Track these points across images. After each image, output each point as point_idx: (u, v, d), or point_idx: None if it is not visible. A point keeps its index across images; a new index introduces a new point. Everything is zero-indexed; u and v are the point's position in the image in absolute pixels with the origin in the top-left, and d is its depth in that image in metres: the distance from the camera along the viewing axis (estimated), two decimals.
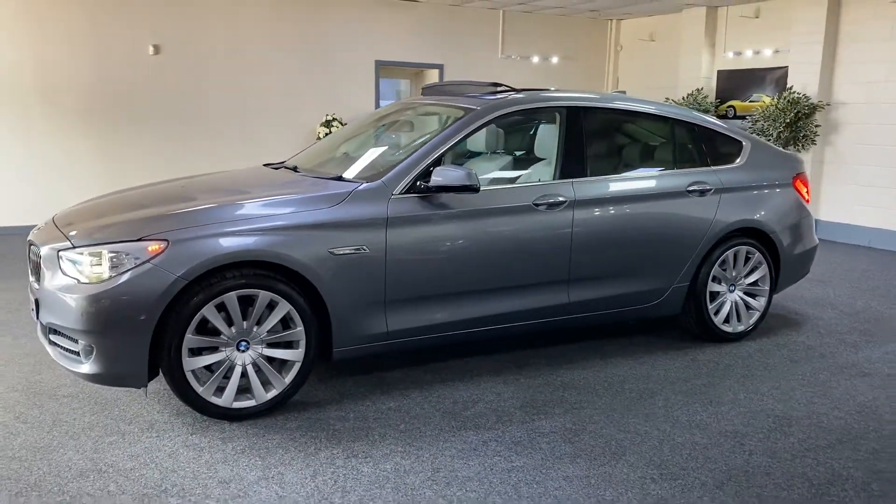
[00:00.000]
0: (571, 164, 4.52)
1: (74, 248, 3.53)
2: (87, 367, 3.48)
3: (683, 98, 10.75)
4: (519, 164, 4.74)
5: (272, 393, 3.74)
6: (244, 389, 3.71)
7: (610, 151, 4.94)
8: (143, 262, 3.42)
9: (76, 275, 3.49)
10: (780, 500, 3.06)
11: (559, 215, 4.36)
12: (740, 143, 5.19)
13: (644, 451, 3.46)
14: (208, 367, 3.65)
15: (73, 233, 3.64)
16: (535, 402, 4.01)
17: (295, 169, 4.61)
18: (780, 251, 5.17)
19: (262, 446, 3.42)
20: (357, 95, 10.54)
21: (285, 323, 3.72)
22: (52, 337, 3.67)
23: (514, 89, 4.73)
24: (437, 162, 4.10)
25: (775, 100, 9.43)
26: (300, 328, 3.73)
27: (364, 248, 3.82)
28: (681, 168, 4.96)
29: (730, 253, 4.99)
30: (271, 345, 3.73)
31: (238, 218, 3.65)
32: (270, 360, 3.75)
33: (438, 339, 4.19)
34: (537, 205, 4.30)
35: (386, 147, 4.64)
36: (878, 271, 7.59)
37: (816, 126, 9.28)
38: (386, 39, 10.67)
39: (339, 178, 4.14)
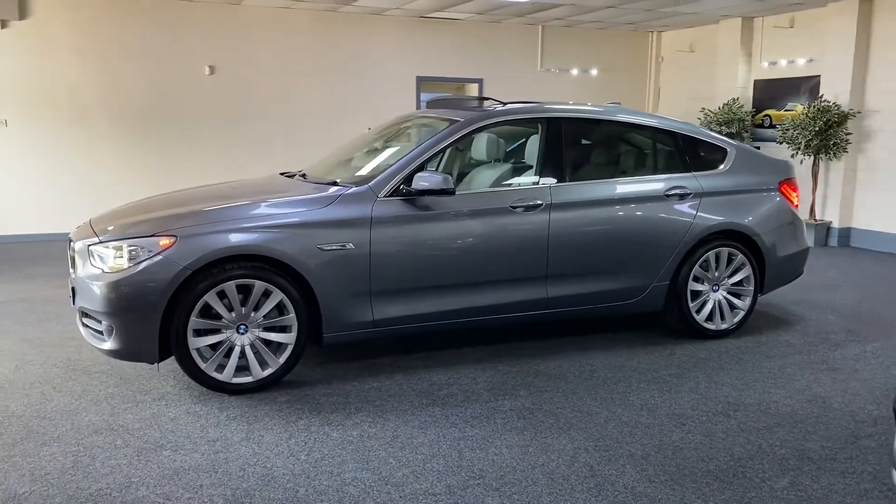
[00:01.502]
0: (550, 169, 4.91)
1: (101, 242, 4.14)
2: (108, 345, 4.09)
3: (720, 108, 10.89)
4: (502, 170, 5.15)
5: (267, 371, 4.27)
6: (243, 367, 4.24)
7: (589, 158, 5.31)
8: (156, 255, 4.00)
9: (101, 265, 4.10)
10: (697, 469, 3.37)
11: (536, 217, 4.76)
12: (725, 150, 5.47)
13: (588, 427, 3.82)
14: (212, 347, 4.20)
15: (100, 230, 4.26)
16: (505, 385, 4.41)
17: (304, 176, 5.15)
18: (764, 253, 5.41)
19: (251, 415, 3.94)
20: (399, 109, 11.08)
21: (280, 309, 4.24)
22: (83, 320, 4.29)
23: (501, 102, 5.15)
24: (421, 168, 4.57)
25: (807, 108, 9.51)
26: (292, 314, 4.24)
27: (349, 244, 4.32)
28: (661, 174, 5.28)
29: (711, 254, 5.26)
30: (267, 329, 4.25)
31: (238, 217, 4.20)
32: (267, 342, 4.27)
33: (422, 327, 4.65)
34: (514, 207, 4.71)
35: (382, 155, 5.13)
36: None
37: (847, 134, 9.31)
38: (427, 56, 11.21)
39: (334, 183, 4.65)
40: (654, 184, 5.17)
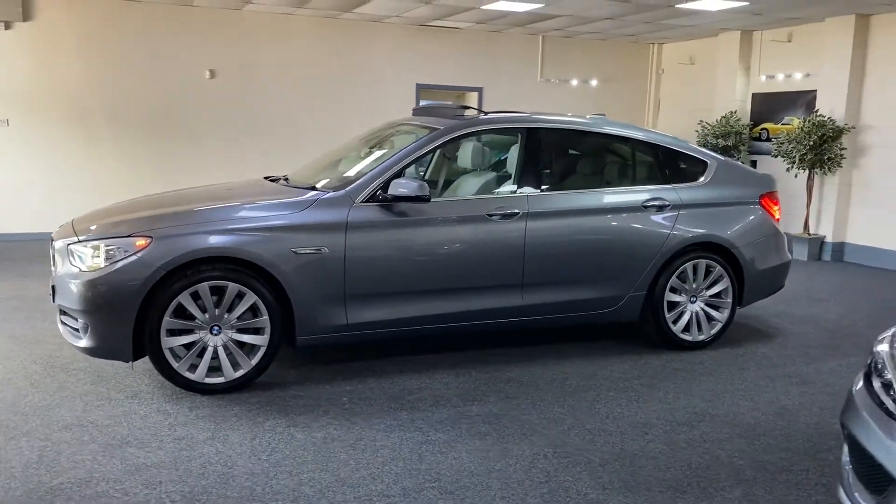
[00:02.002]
0: (528, 179, 4.97)
1: (79, 241, 4.22)
2: (84, 342, 4.16)
3: (717, 121, 10.91)
4: (484, 178, 5.20)
5: (240, 372, 4.33)
6: (216, 368, 4.30)
7: (568, 169, 5.36)
8: (131, 255, 4.08)
9: (80, 264, 4.18)
10: (653, 478, 3.40)
11: (512, 225, 4.81)
12: (705, 162, 5.50)
13: (551, 434, 3.86)
14: (186, 347, 4.26)
15: (80, 229, 4.34)
16: (476, 391, 4.45)
17: (287, 180, 5.22)
18: (743, 266, 5.43)
19: (220, 415, 4.00)
20: (398, 116, 11.16)
21: (253, 311, 4.30)
22: (62, 317, 4.37)
23: (482, 111, 5.22)
24: (399, 175, 4.63)
25: (802, 122, 9.52)
26: (265, 317, 4.30)
27: (324, 248, 4.38)
28: (639, 185, 5.32)
29: (688, 265, 5.29)
30: (240, 330, 4.31)
31: (213, 219, 4.27)
32: (240, 343, 4.33)
33: (396, 332, 4.71)
34: (491, 215, 4.77)
35: (363, 162, 5.19)
36: (887, 294, 7.62)
37: (842, 149, 9.32)
38: (427, 63, 11.30)
39: (313, 188, 4.71)
40: (632, 195, 5.21)
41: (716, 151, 10.48)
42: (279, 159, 10.56)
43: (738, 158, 10.79)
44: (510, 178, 5.04)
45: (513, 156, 5.08)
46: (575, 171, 5.40)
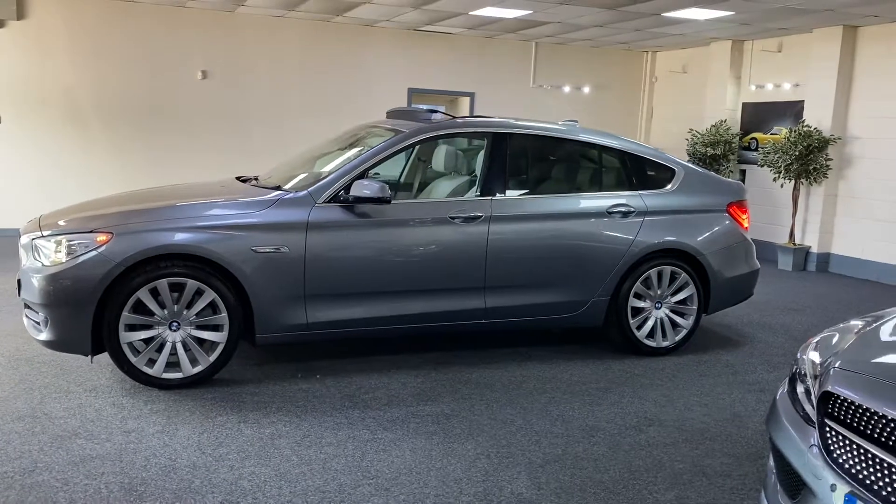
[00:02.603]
0: (493, 183, 5.02)
1: (43, 236, 4.29)
2: (44, 335, 4.23)
3: (707, 129, 10.93)
4: (453, 181, 5.25)
5: (198, 368, 4.39)
6: (175, 363, 4.36)
7: (533, 174, 5.42)
8: (91, 250, 4.14)
9: (42, 259, 4.25)
10: (590, 480, 3.44)
11: (474, 229, 4.86)
12: (673, 170, 5.54)
13: (498, 434, 3.90)
14: (147, 342, 4.32)
15: (45, 225, 4.41)
16: (432, 391, 4.50)
17: (256, 180, 5.28)
18: (709, 273, 5.46)
19: (173, 409, 4.06)
20: None
21: (213, 308, 4.36)
22: (25, 311, 4.44)
23: (451, 116, 5.27)
24: (362, 176, 4.69)
25: (789, 133, 9.54)
26: (224, 314, 4.36)
27: (284, 248, 4.44)
28: (605, 191, 5.37)
29: (653, 272, 5.33)
30: (199, 327, 4.37)
31: (174, 217, 4.34)
32: (199, 340, 4.39)
33: (357, 332, 4.77)
34: (453, 218, 4.82)
35: (333, 163, 5.24)
36: (865, 305, 7.62)
37: (828, 160, 9.33)
38: (419, 68, 11.36)
39: (278, 188, 4.78)
40: (596, 200, 5.25)
41: (704, 161, 10.59)
42: (270, 160, 10.62)
43: (728, 168, 10.83)
44: (472, 180, 5.09)
45: (479, 160, 5.14)
46: (541, 176, 5.46)
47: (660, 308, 5.42)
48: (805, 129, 9.37)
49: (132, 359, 4.25)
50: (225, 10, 10.10)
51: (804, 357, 2.90)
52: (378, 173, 6.09)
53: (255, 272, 4.38)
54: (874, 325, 2.94)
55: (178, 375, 4.36)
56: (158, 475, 3.30)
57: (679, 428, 4.11)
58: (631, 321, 5.32)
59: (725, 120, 10.97)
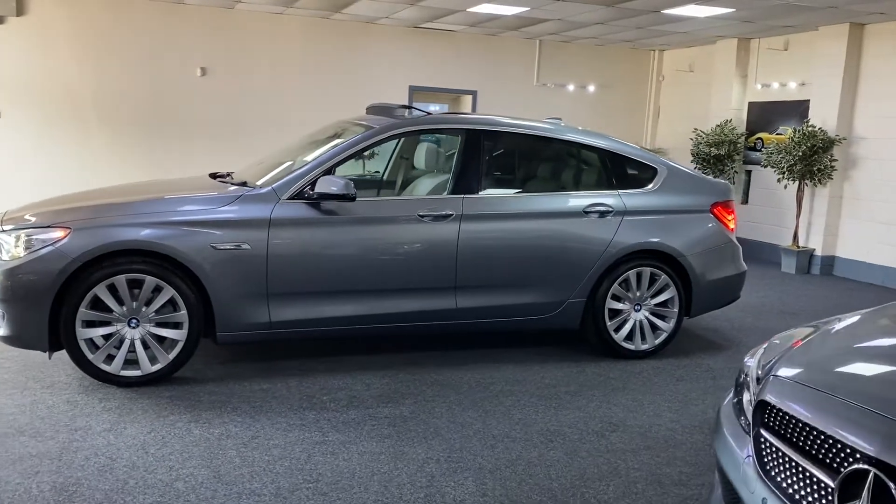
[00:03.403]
0: (465, 181, 4.91)
1: (4, 231, 4.26)
2: (1, 331, 4.18)
3: (712, 129, 10.73)
4: (433, 179, 5.15)
5: (157, 366, 4.33)
6: (134, 361, 4.30)
7: (508, 172, 5.30)
8: (49, 245, 4.10)
9: (2, 254, 4.21)
10: (539, 487, 3.33)
11: (444, 227, 4.75)
12: (654, 169, 5.40)
13: (454, 438, 3.80)
14: (107, 338, 4.26)
15: (7, 219, 4.38)
16: (395, 393, 4.40)
17: (230, 176, 5.22)
18: (690, 275, 5.32)
19: (127, 407, 4.00)
20: None
21: (174, 305, 4.30)
22: None
23: (426, 112, 5.17)
24: (329, 172, 4.60)
25: (793, 132, 9.33)
26: (183, 311, 4.30)
27: (245, 245, 4.36)
28: (583, 190, 5.24)
29: (632, 273, 5.19)
30: (159, 324, 4.31)
31: (133, 213, 4.28)
32: (160, 338, 4.33)
33: (324, 332, 4.68)
34: (422, 216, 4.72)
35: (301, 159, 5.17)
36: (863, 307, 7.40)
37: (833, 161, 9.11)
38: (420, 66, 11.27)
39: (244, 184, 4.71)
40: (572, 199, 5.13)
41: (708, 161, 10.39)
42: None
43: (733, 168, 10.62)
44: (444, 178, 4.99)
45: (450, 157, 5.04)
46: (516, 175, 5.35)
47: (639, 310, 5.28)
48: (809, 129, 9.15)
49: (89, 355, 4.20)
50: (224, 6, 10.07)
51: (749, 363, 2.78)
52: (378, 172, 6.03)
53: (215, 269, 4.31)
54: (823, 330, 2.80)
55: (137, 373, 4.31)
56: (94, 475, 3.24)
57: (643, 434, 3.98)
58: (608, 323, 5.19)
59: (731, 120, 10.76)
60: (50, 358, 4.33)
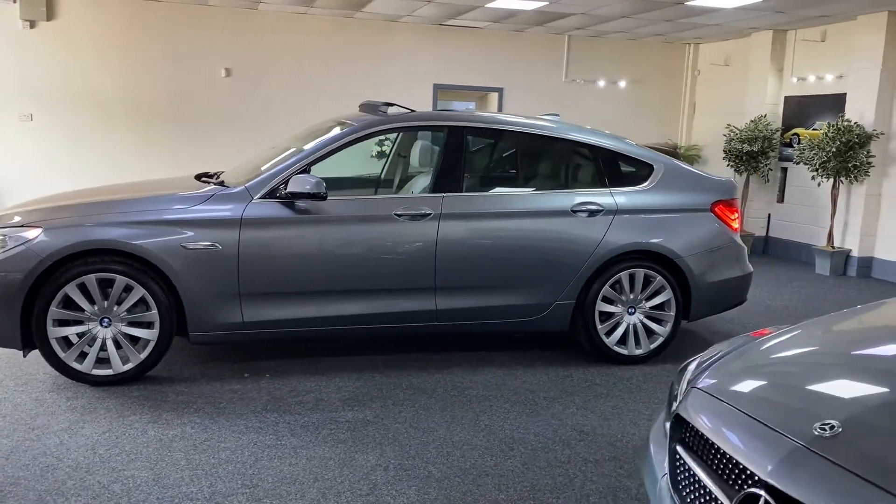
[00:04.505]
0: (446, 179, 4.78)
1: None
2: None
3: (746, 125, 10.34)
4: (422, 177, 5.04)
5: (128, 366, 4.33)
6: (106, 360, 4.31)
7: (492, 169, 5.15)
8: (20, 244, 4.14)
9: None
10: (485, 499, 3.19)
11: (422, 227, 4.64)
12: (651, 166, 5.18)
13: (411, 445, 3.68)
14: (80, 337, 4.29)
15: None
16: (365, 396, 4.31)
17: (213, 176, 5.20)
18: (689, 277, 5.08)
19: (91, 406, 4.01)
20: None
21: (147, 305, 4.30)
22: None
23: (408, 109, 5.07)
24: (305, 171, 4.54)
25: (827, 127, 8.90)
26: (154, 311, 4.29)
27: (216, 244, 4.33)
28: (572, 188, 5.06)
29: (624, 275, 4.99)
30: (131, 323, 4.31)
31: (104, 212, 4.29)
32: (133, 337, 4.33)
33: (298, 333, 4.61)
34: (399, 215, 4.61)
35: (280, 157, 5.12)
36: None
37: (870, 157, 8.66)
38: (445, 64, 11.16)
39: (221, 184, 4.68)
40: (559, 198, 4.95)
41: (740, 158, 10.01)
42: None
43: (767, 165, 10.21)
44: (425, 176, 4.88)
45: (432, 154, 4.92)
46: (501, 173, 5.20)
47: (633, 314, 5.07)
48: (845, 123, 8.71)
49: (61, 354, 4.23)
50: (247, 7, 10.15)
51: (682, 374, 2.59)
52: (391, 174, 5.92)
53: (186, 269, 4.29)
54: (766, 338, 2.59)
55: (108, 372, 4.32)
56: (35, 475, 3.23)
57: (612, 444, 3.80)
58: (599, 326, 4.99)
59: (765, 115, 10.34)
60: (25, 356, 4.37)
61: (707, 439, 2.05)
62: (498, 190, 5.05)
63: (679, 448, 2.19)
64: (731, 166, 10.42)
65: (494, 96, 11.61)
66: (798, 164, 9.30)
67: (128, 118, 10.13)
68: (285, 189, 4.44)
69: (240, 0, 9.68)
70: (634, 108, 12.02)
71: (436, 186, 4.78)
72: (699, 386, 2.27)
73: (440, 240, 4.66)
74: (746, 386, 2.20)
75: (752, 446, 1.86)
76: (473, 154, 4.99)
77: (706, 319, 5.95)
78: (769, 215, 10.57)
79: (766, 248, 10.60)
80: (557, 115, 5.66)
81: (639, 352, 5.09)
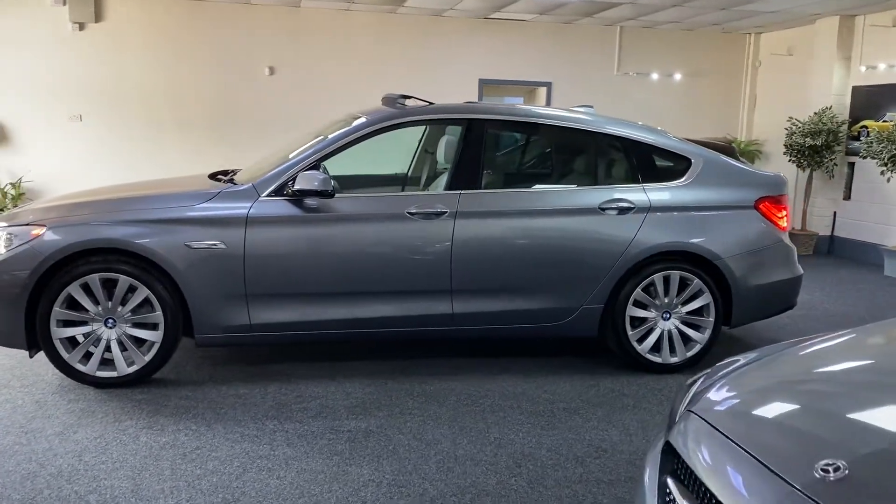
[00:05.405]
0: (464, 175, 4.52)
1: None
2: None
3: (809, 118, 9.73)
4: (425, 173, 4.81)
5: (133, 368, 4.22)
6: (110, 361, 4.21)
7: (514, 165, 4.86)
8: (24, 243, 4.06)
9: None
10: None
11: (437, 225, 4.39)
12: (688, 160, 4.80)
13: (411, 458, 3.44)
14: (85, 337, 4.19)
15: (2, 216, 4.39)
16: (374, 404, 4.08)
17: (224, 174, 5.06)
18: (729, 280, 4.70)
19: (90, 409, 3.90)
20: None
21: (152, 306, 4.17)
22: None
23: (426, 102, 4.83)
24: (314, 167, 4.35)
25: None
26: (158, 312, 4.16)
27: (221, 244, 4.17)
28: (600, 184, 4.73)
29: (658, 277, 4.63)
30: (136, 325, 4.20)
31: (108, 210, 4.19)
32: (138, 339, 4.22)
33: (309, 336, 4.42)
34: (412, 214, 4.37)
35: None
36: None
37: None
38: (491, 58, 10.88)
39: (231, 182, 4.53)
40: (586, 195, 4.62)
41: (802, 153, 9.42)
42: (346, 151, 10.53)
43: (832, 160, 9.59)
44: (441, 172, 4.62)
45: (449, 149, 4.66)
46: (523, 168, 4.90)
47: (668, 319, 4.71)
48: None
49: (65, 355, 4.14)
50: (290, 4, 10.07)
51: (686, 391, 2.28)
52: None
53: (190, 269, 4.15)
54: (789, 349, 2.25)
55: (113, 374, 4.21)
56: (15, 482, 3.12)
57: (632, 462, 3.48)
58: (630, 332, 4.65)
59: (830, 106, 9.71)
60: (31, 357, 4.30)
61: (694, 475, 1.75)
62: (519, 186, 4.76)
63: (669, 481, 1.89)
64: (793, 161, 9.83)
65: (542, 91, 11.26)
66: (866, 158, 8.67)
67: (174, 118, 10.18)
68: (293, 186, 4.26)
69: None
70: (690, 101, 11.50)
71: (452, 183, 4.52)
72: (695, 410, 1.96)
73: (456, 240, 4.40)
74: (750, 412, 1.88)
75: (745, 489, 1.55)
76: (493, 148, 4.71)
77: (753, 325, 5.53)
78: (834, 213, 9.93)
79: (831, 247, 9.96)
80: (591, 106, 5.32)
81: (674, 360, 4.72)
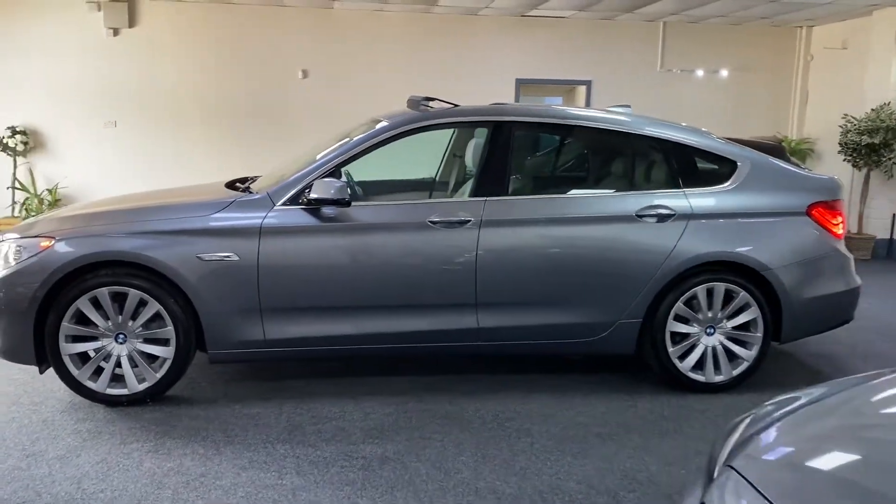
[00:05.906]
0: (490, 181, 4.26)
1: (3, 240, 4.14)
2: None
3: (866, 114, 9.21)
4: (453, 179, 4.55)
5: (144, 385, 4.04)
6: (122, 377, 4.04)
7: (544, 169, 4.58)
8: (33, 256, 3.92)
9: (2, 263, 4.08)
10: None
11: (460, 235, 4.13)
12: (734, 163, 4.45)
13: (426, 490, 3.18)
14: (97, 352, 4.03)
15: (13, 228, 4.26)
16: (392, 426, 3.84)
17: (242, 182, 4.88)
18: (779, 292, 4.34)
19: (96, 430, 3.73)
20: None
21: (163, 321, 4.00)
22: None
23: (450, 103, 4.57)
24: (332, 175, 4.13)
25: None
26: (169, 327, 3.98)
27: (233, 255, 3.97)
28: (637, 190, 4.41)
29: (700, 289, 4.30)
30: (147, 340, 4.02)
31: (118, 222, 4.02)
32: (149, 355, 4.04)
33: (324, 351, 4.20)
34: (434, 223, 4.12)
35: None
36: None
37: None
38: (528, 57, 10.57)
39: (246, 190, 4.33)
40: (622, 201, 4.31)
41: (858, 152, 8.91)
42: (371, 156, 10.34)
43: (891, 160, 9.05)
44: (466, 179, 4.35)
45: (474, 154, 4.40)
46: (554, 173, 4.60)
47: (712, 334, 4.37)
48: None
49: (74, 372, 3.98)
50: (322, 6, 9.91)
51: (729, 435, 1.97)
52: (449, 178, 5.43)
53: (202, 282, 3.95)
54: (860, 388, 1.93)
55: (124, 391, 4.04)
56: None
57: (668, 497, 3.17)
58: (671, 349, 4.33)
59: (889, 102, 9.17)
60: (42, 373, 4.15)
61: None
62: (549, 193, 4.46)
63: None
64: (848, 160, 9.32)
65: (582, 90, 10.91)
66: None
67: (208, 123, 10.11)
68: (309, 194, 4.04)
69: (316, 0, 9.45)
70: (738, 98, 11.03)
71: (478, 189, 4.25)
72: (736, 465, 1.66)
73: (481, 250, 4.13)
74: (802, 469, 1.58)
75: None
76: (521, 152, 4.43)
77: (806, 340, 5.13)
78: (893, 215, 9.38)
79: (890, 251, 9.42)
80: (629, 106, 5.00)
81: (718, 379, 4.38)
